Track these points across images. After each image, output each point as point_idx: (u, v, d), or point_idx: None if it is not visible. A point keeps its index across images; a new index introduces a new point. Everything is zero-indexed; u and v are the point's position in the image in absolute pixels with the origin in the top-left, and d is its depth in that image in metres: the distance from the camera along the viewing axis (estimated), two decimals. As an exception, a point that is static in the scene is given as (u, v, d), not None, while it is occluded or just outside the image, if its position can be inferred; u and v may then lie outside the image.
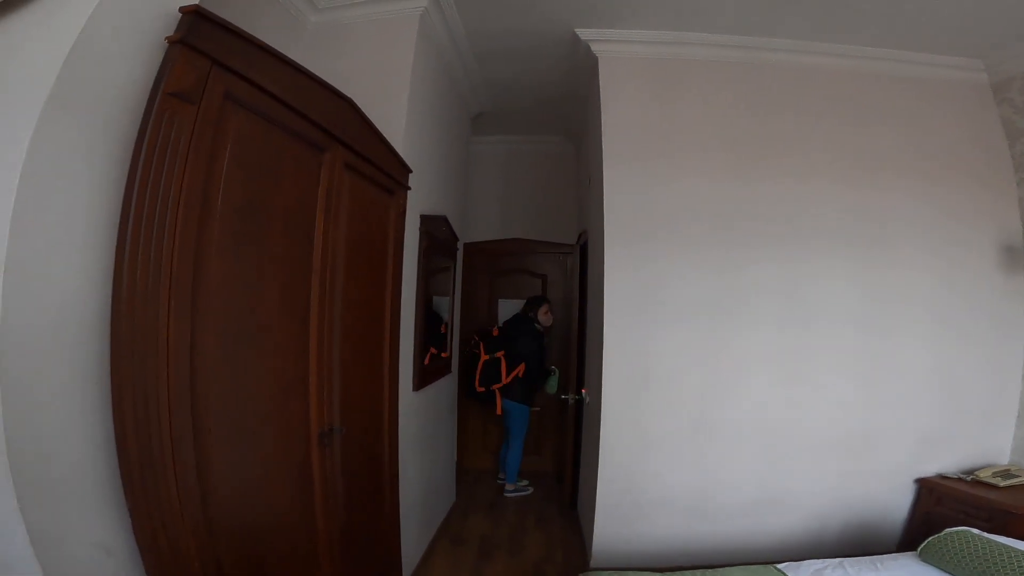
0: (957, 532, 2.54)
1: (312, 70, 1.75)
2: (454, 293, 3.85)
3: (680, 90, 3.27)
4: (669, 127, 3.23)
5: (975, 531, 2.53)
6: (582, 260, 4.19)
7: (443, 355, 3.59)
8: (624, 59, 3.28)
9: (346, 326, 2.05)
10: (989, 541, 2.43)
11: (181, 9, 1.21)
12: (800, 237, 3.20)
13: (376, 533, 2.47)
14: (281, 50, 1.54)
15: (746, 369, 3.17)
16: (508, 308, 4.79)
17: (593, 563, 3.14)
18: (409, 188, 2.64)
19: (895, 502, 3.27)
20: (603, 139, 3.23)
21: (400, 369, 2.69)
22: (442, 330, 3.58)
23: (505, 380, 4.15)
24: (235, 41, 1.36)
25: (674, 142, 3.22)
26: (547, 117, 4.72)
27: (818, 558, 2.49)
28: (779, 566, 2.40)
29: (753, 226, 3.20)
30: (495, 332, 4.33)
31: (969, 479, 3.09)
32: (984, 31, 3.04)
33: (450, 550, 3.49)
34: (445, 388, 3.77)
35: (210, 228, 1.30)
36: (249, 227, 1.47)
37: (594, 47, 3.28)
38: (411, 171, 2.67)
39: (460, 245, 4.15)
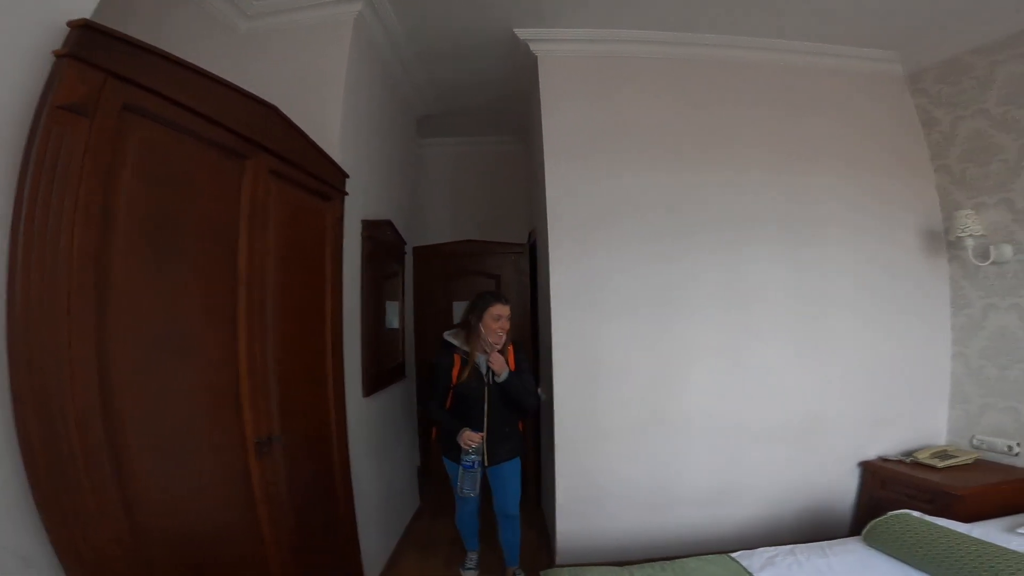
0: (898, 515, 2.60)
1: (244, 77, 1.74)
2: (403, 297, 3.84)
3: (619, 87, 3.33)
4: (609, 123, 3.29)
5: (915, 514, 2.61)
6: (532, 259, 4.21)
7: (396, 360, 3.59)
8: (563, 58, 3.33)
9: (282, 334, 2.04)
10: (929, 524, 2.49)
11: (69, 23, 1.19)
12: (739, 227, 3.30)
13: (332, 538, 2.46)
14: (211, 58, 1.55)
15: (693, 360, 3.25)
16: (463, 311, 4.80)
17: (558, 560, 3.16)
18: (346, 193, 2.63)
19: (844, 486, 3.38)
20: (544, 137, 3.27)
21: (348, 375, 2.68)
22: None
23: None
24: (134, 52, 1.35)
25: (615, 138, 3.28)
26: (495, 117, 4.74)
27: (774, 545, 2.54)
28: (734, 555, 2.45)
29: (694, 218, 3.27)
30: None
31: (909, 461, 3.19)
32: (898, 24, 3.18)
33: (417, 554, 3.49)
34: (400, 393, 3.77)
35: (114, 241, 1.29)
36: (162, 238, 1.46)
37: (533, 46, 3.31)
38: (348, 176, 2.66)
39: (409, 249, 4.14)
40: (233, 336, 1.73)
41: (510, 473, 2.95)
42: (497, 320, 2.77)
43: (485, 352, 2.78)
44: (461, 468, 2.73)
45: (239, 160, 1.80)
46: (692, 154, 3.31)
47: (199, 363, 1.60)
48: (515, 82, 3.87)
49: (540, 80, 3.31)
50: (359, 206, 2.93)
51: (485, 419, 2.81)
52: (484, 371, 2.82)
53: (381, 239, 3.18)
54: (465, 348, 2.81)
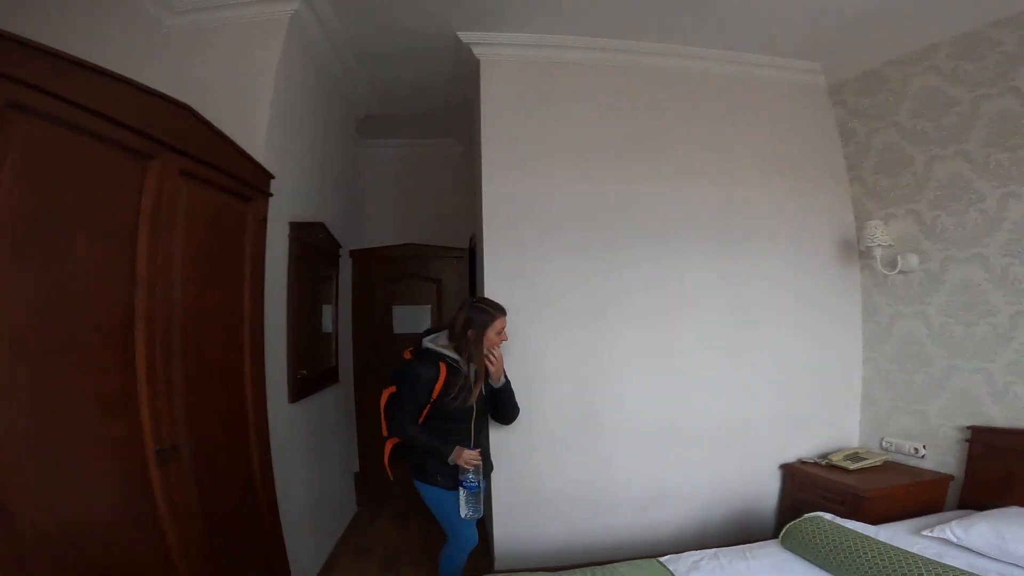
0: (810, 518, 2.65)
1: (165, 75, 1.69)
2: (337, 301, 3.80)
3: (560, 93, 3.35)
4: (550, 129, 3.31)
5: (827, 516, 2.66)
6: (472, 263, 4.22)
7: (328, 364, 3.54)
8: (505, 62, 3.34)
9: (192, 338, 2.00)
10: (837, 526, 2.55)
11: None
12: (674, 234, 3.37)
13: (257, 546, 2.42)
14: (131, 55, 1.50)
15: (626, 365, 3.30)
16: (403, 315, 4.78)
17: (497, 565, 3.16)
18: (271, 194, 2.59)
19: (767, 489, 3.49)
20: (482, 140, 3.27)
21: (273, 380, 2.64)
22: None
23: (385, 432, 2.57)
24: (21, 50, 1.31)
25: (554, 144, 3.30)
26: (439, 119, 4.73)
27: (703, 548, 2.59)
28: (662, 559, 2.47)
29: (629, 225, 3.33)
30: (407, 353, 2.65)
31: (824, 463, 3.31)
32: (822, 35, 3.29)
33: (354, 561, 3.44)
34: (333, 398, 3.72)
35: (-14, 241, 1.24)
36: (44, 238, 1.41)
37: (476, 50, 3.31)
38: (273, 177, 2.62)
39: (345, 252, 4.09)
40: (129, 340, 1.68)
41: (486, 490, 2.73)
42: (500, 334, 2.50)
43: (486, 365, 2.49)
44: (463, 490, 2.39)
45: (142, 160, 1.75)
46: (629, 162, 3.36)
47: (85, 368, 1.55)
48: (458, 85, 3.87)
49: (481, 84, 3.31)
50: (288, 207, 2.89)
51: (472, 434, 2.53)
52: (474, 383, 2.48)
53: (312, 241, 3.14)
54: (455, 357, 2.45)
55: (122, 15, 2.59)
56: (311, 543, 3.13)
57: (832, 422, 3.57)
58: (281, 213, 2.77)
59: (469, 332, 2.45)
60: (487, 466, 2.66)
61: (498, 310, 2.52)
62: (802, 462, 3.42)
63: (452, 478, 2.43)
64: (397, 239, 4.95)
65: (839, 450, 3.38)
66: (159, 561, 1.78)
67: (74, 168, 1.50)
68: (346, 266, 4.49)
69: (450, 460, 2.40)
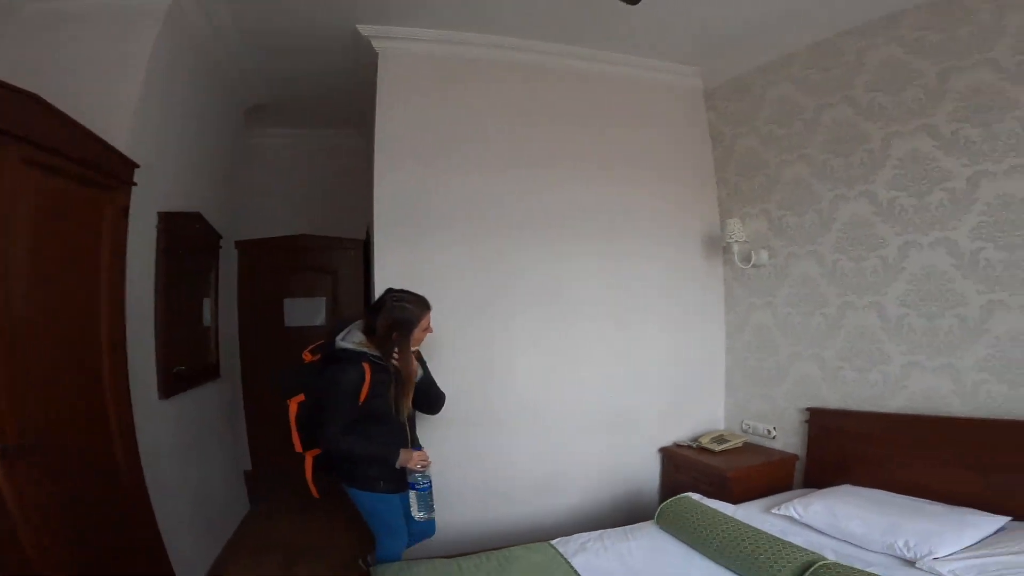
0: (679, 499, 2.81)
1: (26, 61, 1.59)
2: (217, 294, 3.69)
3: (459, 89, 3.39)
4: (446, 124, 3.34)
5: (694, 497, 2.84)
6: (368, 255, 4.21)
7: (207, 360, 3.44)
8: (406, 56, 3.32)
9: (35, 334, 1.91)
10: (702, 506, 2.70)
11: None
12: (562, 229, 3.49)
13: (134, 549, 2.36)
14: None
15: (519, 355, 3.40)
16: (295, 308, 4.69)
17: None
18: (135, 184, 2.50)
19: (650, 471, 3.72)
20: (378, 133, 3.25)
21: (139, 377, 2.55)
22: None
23: (299, 448, 2.43)
24: None
25: (450, 139, 3.33)
26: (336, 110, 4.64)
27: (597, 529, 2.71)
28: (553, 542, 2.58)
29: (521, 220, 3.42)
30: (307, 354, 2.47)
31: (695, 446, 3.56)
32: (702, 43, 3.49)
33: (249, 561, 3.36)
34: (213, 393, 3.61)
35: None
36: None
37: (375, 43, 3.28)
38: (138, 166, 2.52)
39: (226, 242, 3.95)
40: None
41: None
42: (426, 329, 2.36)
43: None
44: (414, 492, 2.30)
45: (-24, 148, 1.66)
46: (522, 158, 3.45)
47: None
48: (356, 76, 3.80)
49: (379, 77, 3.29)
50: (158, 197, 2.78)
51: (409, 433, 2.39)
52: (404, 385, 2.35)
53: (184, 232, 3.04)
54: (376, 354, 2.28)
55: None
56: (195, 543, 3.06)
57: (703, 407, 3.87)
58: (149, 203, 2.67)
59: (394, 335, 2.28)
60: None
61: (422, 305, 2.38)
62: (677, 445, 3.68)
63: (397, 482, 2.30)
64: (293, 230, 4.83)
65: (707, 433, 3.65)
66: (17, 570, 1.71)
67: None
68: (231, 258, 4.34)
69: (398, 464, 2.26)
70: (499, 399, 3.36)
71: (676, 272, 3.78)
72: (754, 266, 3.55)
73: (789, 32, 3.23)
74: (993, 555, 2.08)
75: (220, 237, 3.70)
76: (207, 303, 3.48)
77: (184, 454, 3.06)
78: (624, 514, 3.54)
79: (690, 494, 2.85)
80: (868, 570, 2.04)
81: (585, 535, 2.65)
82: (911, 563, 2.22)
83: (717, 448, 3.45)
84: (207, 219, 3.37)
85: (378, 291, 3.07)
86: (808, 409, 3.26)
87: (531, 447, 3.42)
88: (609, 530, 2.69)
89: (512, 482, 3.38)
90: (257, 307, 4.53)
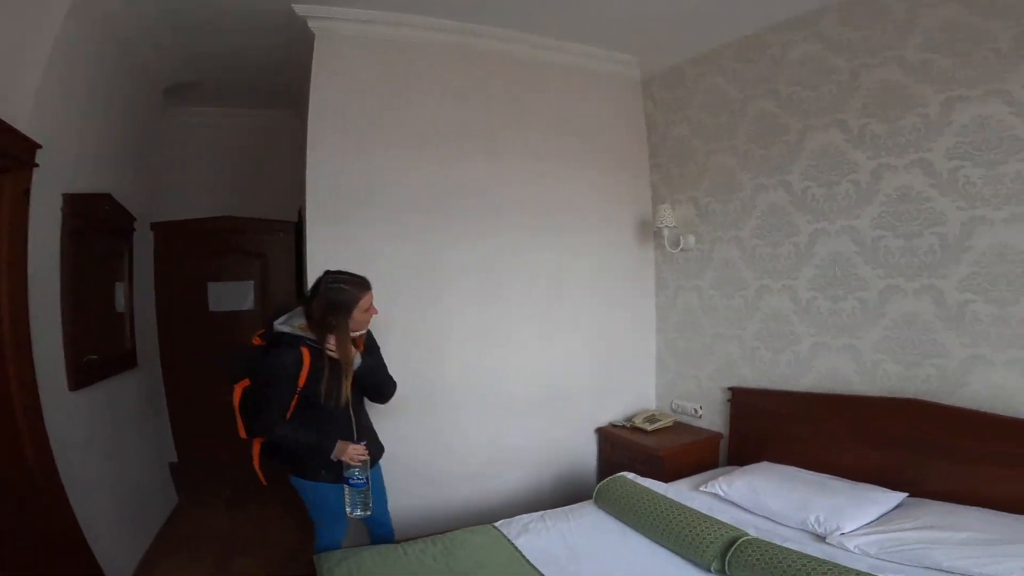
0: (615, 478, 2.85)
1: None
2: (132, 278, 3.49)
3: (397, 70, 3.29)
4: (382, 107, 3.25)
5: (629, 476, 2.86)
6: (300, 237, 4.08)
7: (123, 348, 3.27)
8: (342, 37, 3.19)
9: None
10: (636, 485, 2.75)
11: None
12: (497, 213, 3.48)
13: (54, 548, 2.28)
14: None
15: (455, 337, 3.38)
16: (221, 292, 4.52)
17: (344, 542, 3.09)
18: (36, 165, 2.33)
19: (588, 452, 3.81)
20: (310, 114, 3.13)
21: (45, 368, 2.41)
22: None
23: (243, 434, 2.31)
24: None
25: (386, 121, 3.24)
26: (268, 89, 4.43)
27: (538, 510, 2.74)
28: (496, 524, 2.61)
29: (456, 203, 3.37)
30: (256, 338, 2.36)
31: (629, 425, 3.67)
32: (640, 32, 3.48)
33: (180, 555, 3.24)
34: (130, 383, 3.44)
35: None
36: None
37: (312, 23, 3.13)
38: (40, 146, 2.35)
39: (141, 224, 3.73)
40: None
41: (378, 477, 2.51)
42: (367, 311, 2.22)
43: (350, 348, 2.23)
44: (348, 488, 2.18)
45: None
46: (459, 142, 3.38)
47: None
48: (289, 56, 3.62)
49: (315, 57, 3.16)
50: (63, 178, 2.60)
51: (354, 421, 2.30)
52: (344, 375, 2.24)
53: (92, 214, 2.85)
54: (315, 341, 2.17)
55: None
56: (120, 539, 2.94)
57: (636, 387, 3.99)
58: (52, 184, 2.50)
59: (330, 319, 2.14)
60: (376, 449, 2.44)
61: (361, 286, 2.22)
62: (612, 425, 3.78)
63: (339, 471, 2.21)
64: (219, 211, 4.60)
65: (640, 413, 3.76)
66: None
67: None
68: (147, 240, 4.11)
69: (333, 456, 2.16)
70: (437, 382, 3.34)
71: (610, 255, 3.85)
72: (682, 250, 3.68)
73: (722, 24, 3.28)
74: (891, 531, 2.22)
75: (134, 219, 3.49)
76: (120, 288, 3.29)
77: (101, 446, 2.92)
78: (565, 494, 3.60)
79: (625, 474, 2.92)
80: (785, 545, 2.14)
81: (528, 516, 2.68)
82: (822, 538, 2.34)
83: (649, 428, 3.56)
84: (118, 200, 3.18)
85: (310, 274, 3.01)
86: (730, 388, 3.43)
87: (469, 430, 3.42)
88: (551, 511, 2.74)
89: (453, 464, 3.38)
90: (177, 292, 4.32)
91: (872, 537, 2.22)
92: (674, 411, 3.86)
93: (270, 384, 2.13)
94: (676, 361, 3.88)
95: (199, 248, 4.44)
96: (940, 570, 2.00)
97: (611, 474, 2.96)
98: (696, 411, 3.70)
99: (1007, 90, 2.24)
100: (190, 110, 4.71)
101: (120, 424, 3.21)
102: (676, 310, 3.84)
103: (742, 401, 3.37)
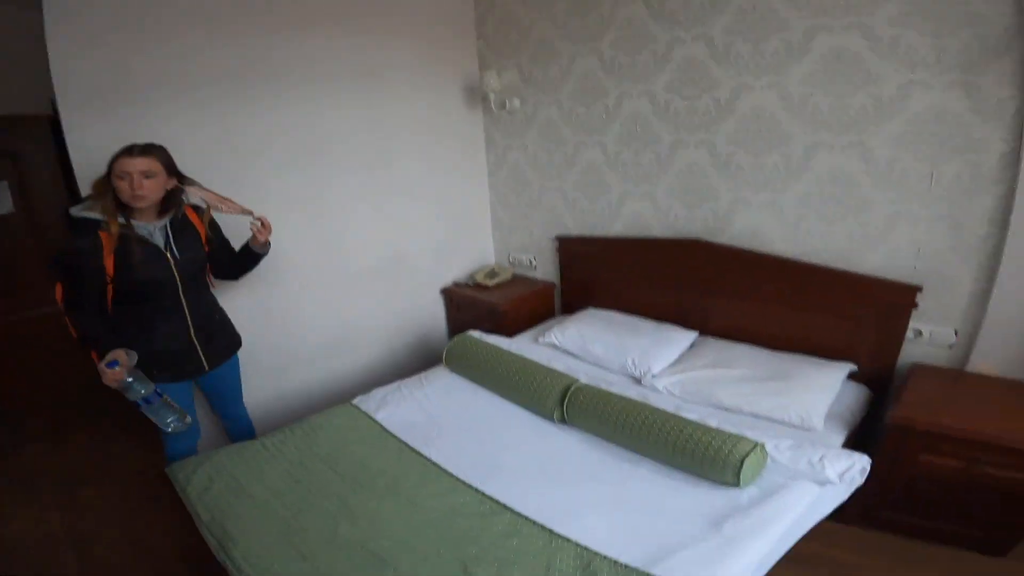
0: (461, 338, 2.89)
1: None
2: None
3: None
4: None
5: (475, 334, 2.93)
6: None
7: None
8: None
9: None
10: (481, 343, 2.81)
11: None
12: (322, 83, 3.20)
13: None
14: None
15: (283, 214, 3.02)
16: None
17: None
18: None
19: (437, 315, 4.02)
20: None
21: None
22: None
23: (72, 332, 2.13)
24: None
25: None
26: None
27: (397, 380, 2.79)
28: (354, 402, 2.60)
29: (276, 75, 3.01)
30: None
31: (471, 283, 3.91)
32: None
33: (16, 495, 3.02)
34: None
35: None
36: None
37: None
38: None
39: None
40: None
41: (231, 372, 2.44)
42: (124, 179, 1.96)
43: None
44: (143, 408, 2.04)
45: None
46: (264, 8, 2.91)
47: None
48: None
49: None
50: None
51: (186, 309, 2.16)
52: (162, 241, 2.08)
53: None
54: (124, 225, 2.00)
55: None
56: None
57: (474, 244, 4.24)
58: None
59: (93, 192, 2.02)
60: (231, 340, 2.42)
61: (119, 153, 2.00)
62: (456, 284, 4.04)
63: (173, 368, 2.17)
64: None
65: (481, 269, 3.98)
66: None
67: None
68: None
69: (99, 366, 1.94)
70: (271, 261, 2.97)
71: (439, 118, 3.85)
72: (508, 112, 3.87)
73: None
74: (688, 371, 2.52)
75: None
76: None
77: None
78: (420, 361, 3.80)
79: (471, 332, 2.99)
80: (610, 389, 2.32)
81: (384, 389, 2.71)
82: (639, 380, 2.60)
83: (491, 283, 3.82)
84: None
85: (80, 172, 2.43)
86: (557, 238, 3.90)
87: (313, 309, 3.35)
88: (406, 380, 2.80)
89: (300, 348, 3.32)
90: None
91: (675, 378, 2.50)
92: (512, 264, 4.25)
93: (64, 273, 1.99)
94: (509, 215, 4.22)
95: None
96: (723, 407, 2.32)
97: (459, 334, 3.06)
98: (531, 262, 4.11)
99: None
100: None
101: None
102: (506, 167, 4.11)
103: (568, 250, 3.80)
